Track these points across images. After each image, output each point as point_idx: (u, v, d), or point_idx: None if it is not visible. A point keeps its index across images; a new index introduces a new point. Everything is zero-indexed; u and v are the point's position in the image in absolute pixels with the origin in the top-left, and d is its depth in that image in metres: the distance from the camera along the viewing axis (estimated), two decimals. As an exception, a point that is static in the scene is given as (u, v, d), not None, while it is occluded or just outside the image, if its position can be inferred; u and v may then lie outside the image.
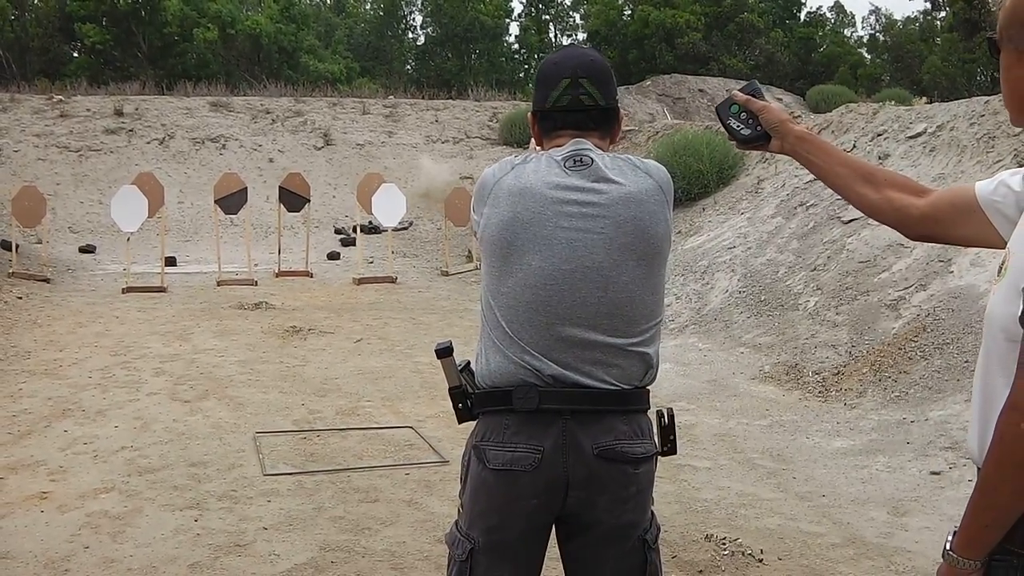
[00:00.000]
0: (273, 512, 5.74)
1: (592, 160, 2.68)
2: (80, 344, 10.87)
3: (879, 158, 12.80)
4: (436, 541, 5.29)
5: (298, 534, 5.41)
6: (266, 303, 14.08)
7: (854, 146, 13.81)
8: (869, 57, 53.00)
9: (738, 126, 2.68)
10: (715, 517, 5.83)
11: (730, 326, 10.98)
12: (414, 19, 57.48)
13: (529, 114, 2.89)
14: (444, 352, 2.83)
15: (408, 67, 54.74)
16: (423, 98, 31.26)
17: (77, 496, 5.95)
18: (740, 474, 6.71)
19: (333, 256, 20.25)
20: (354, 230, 20.02)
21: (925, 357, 8.40)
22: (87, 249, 20.25)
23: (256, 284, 16.42)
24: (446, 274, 18.44)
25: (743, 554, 5.17)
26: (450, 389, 2.82)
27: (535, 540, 2.76)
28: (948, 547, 1.98)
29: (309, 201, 18.64)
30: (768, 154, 15.17)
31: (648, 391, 2.77)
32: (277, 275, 17.56)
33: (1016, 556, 1.93)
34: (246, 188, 17.81)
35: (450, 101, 30.72)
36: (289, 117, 27.36)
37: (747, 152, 14.41)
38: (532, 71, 58.54)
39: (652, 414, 2.79)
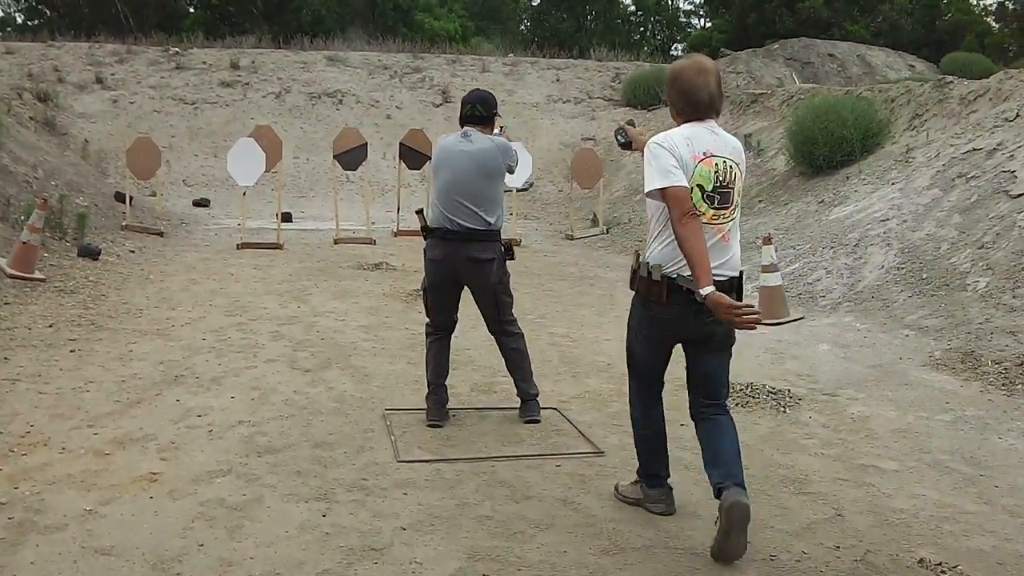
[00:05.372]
0: (410, 508, 5.02)
1: (471, 135, 6.41)
2: (194, 302, 10.35)
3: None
4: (601, 552, 4.54)
5: (440, 537, 4.67)
6: (386, 263, 13.51)
7: (1017, 115, 12.70)
8: (996, 26, 50.70)
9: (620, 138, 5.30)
10: (917, 533, 4.97)
11: (890, 305, 10.02)
12: (531, -22, 56.68)
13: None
14: (420, 211, 6.67)
15: (523, 27, 53.93)
16: (544, 56, 30.43)
17: (190, 480, 5.30)
18: (933, 479, 5.81)
19: (453, 217, 19.62)
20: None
21: None
22: (201, 203, 19.94)
23: (374, 243, 15.93)
24: (571, 238, 17.75)
25: (967, 585, 4.33)
26: (421, 228, 6.53)
27: (450, 288, 6.52)
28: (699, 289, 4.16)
29: (430, 159, 17.90)
30: (918, 120, 14.42)
31: (496, 231, 6.38)
32: (396, 234, 17.00)
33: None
34: (366, 144, 17.16)
35: (571, 60, 29.89)
36: (407, 73, 26.83)
37: (893, 119, 14.02)
38: (648, 34, 57.71)
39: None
